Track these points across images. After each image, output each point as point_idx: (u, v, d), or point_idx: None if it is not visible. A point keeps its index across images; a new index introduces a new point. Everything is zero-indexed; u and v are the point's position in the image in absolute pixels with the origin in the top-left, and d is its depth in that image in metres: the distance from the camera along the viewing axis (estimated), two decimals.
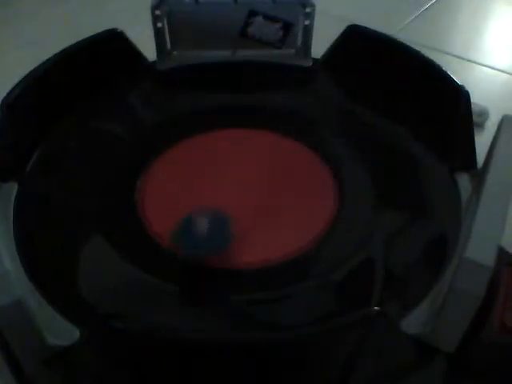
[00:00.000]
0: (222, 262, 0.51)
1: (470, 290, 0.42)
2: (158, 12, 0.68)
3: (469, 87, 0.60)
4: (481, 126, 0.80)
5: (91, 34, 0.66)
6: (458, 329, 0.44)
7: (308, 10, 0.68)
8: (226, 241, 0.51)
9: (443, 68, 0.62)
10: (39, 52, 0.63)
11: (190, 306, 0.49)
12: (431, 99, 0.63)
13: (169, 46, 0.70)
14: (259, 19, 0.69)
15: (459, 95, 0.59)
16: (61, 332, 0.45)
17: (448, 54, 0.95)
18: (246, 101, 0.67)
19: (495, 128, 0.55)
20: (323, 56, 0.71)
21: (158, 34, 0.69)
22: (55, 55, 0.64)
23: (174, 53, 0.71)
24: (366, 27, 0.68)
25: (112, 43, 0.67)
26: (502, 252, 0.47)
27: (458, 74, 0.62)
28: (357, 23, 0.69)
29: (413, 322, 0.47)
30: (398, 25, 1.00)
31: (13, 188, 0.57)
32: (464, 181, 0.57)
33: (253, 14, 0.68)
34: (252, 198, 0.57)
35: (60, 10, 1.03)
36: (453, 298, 0.43)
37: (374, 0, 1.07)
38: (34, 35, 0.97)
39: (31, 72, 0.62)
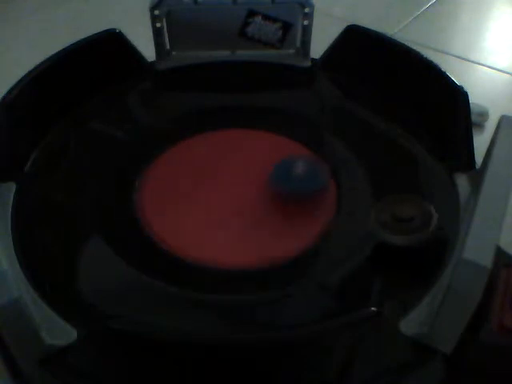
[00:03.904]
0: (222, 262, 0.51)
1: (467, 290, 0.42)
2: (156, 12, 0.68)
3: (469, 87, 0.60)
4: (481, 126, 0.80)
5: (90, 34, 0.66)
6: (456, 329, 0.44)
7: (307, 10, 0.68)
8: (321, 183, 0.56)
9: (442, 68, 0.62)
10: (38, 52, 0.63)
11: (190, 306, 0.49)
12: (430, 100, 0.62)
13: (168, 46, 0.70)
14: (258, 19, 0.68)
15: (458, 96, 0.59)
16: (58, 332, 0.45)
17: (448, 53, 0.95)
18: (246, 101, 0.67)
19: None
20: (322, 56, 0.71)
21: (157, 34, 0.69)
22: (54, 55, 0.64)
23: (173, 53, 0.71)
24: (365, 27, 0.68)
25: (111, 43, 0.67)
26: (500, 252, 0.47)
27: (458, 74, 0.62)
28: (356, 23, 0.68)
29: (411, 323, 0.47)
30: (397, 25, 1.00)
31: (11, 188, 0.57)
32: (463, 181, 0.57)
33: (252, 14, 0.68)
34: (252, 197, 0.57)
35: (60, 10, 1.03)
36: (451, 298, 0.43)
37: (374, 0, 1.07)
38: (34, 35, 0.97)
39: (30, 72, 0.62)
